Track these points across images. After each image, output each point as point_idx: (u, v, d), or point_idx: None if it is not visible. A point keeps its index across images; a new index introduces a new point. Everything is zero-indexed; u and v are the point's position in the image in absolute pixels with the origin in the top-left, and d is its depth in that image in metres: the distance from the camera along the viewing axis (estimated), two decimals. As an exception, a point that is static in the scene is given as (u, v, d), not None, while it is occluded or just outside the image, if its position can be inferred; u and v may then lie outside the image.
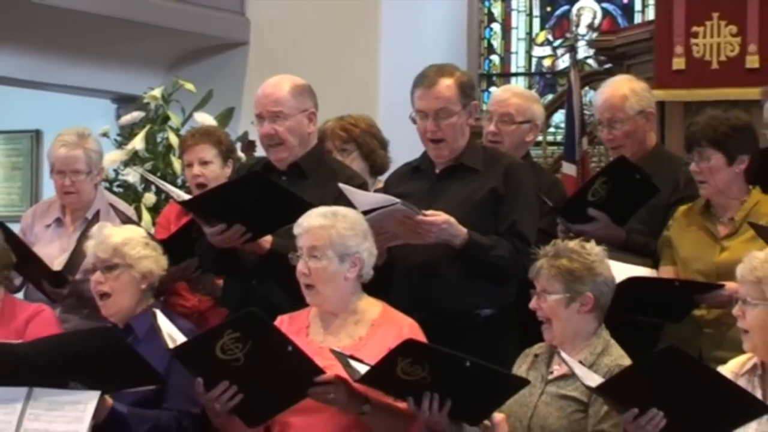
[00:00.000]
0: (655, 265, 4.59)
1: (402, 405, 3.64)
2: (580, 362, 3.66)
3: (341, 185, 4.23)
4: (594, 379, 3.51)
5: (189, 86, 7.11)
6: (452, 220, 4.21)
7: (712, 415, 3.41)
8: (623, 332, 3.91)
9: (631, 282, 4.22)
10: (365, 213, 4.03)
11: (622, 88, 5.02)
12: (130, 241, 4.20)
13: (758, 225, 4.23)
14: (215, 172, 5.16)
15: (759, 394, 3.53)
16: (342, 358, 3.62)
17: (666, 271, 4.54)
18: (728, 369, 3.65)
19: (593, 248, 3.85)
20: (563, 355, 3.62)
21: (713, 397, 3.39)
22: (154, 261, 4.22)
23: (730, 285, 4.17)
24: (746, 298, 3.57)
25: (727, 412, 3.41)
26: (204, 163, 5.17)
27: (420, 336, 3.83)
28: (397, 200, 4.14)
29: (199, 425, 3.99)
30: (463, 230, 4.23)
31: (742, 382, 3.56)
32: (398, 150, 5.18)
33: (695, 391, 3.38)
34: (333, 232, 3.82)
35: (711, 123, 4.41)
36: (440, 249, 4.25)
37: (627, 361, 3.72)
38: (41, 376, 3.77)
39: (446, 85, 4.40)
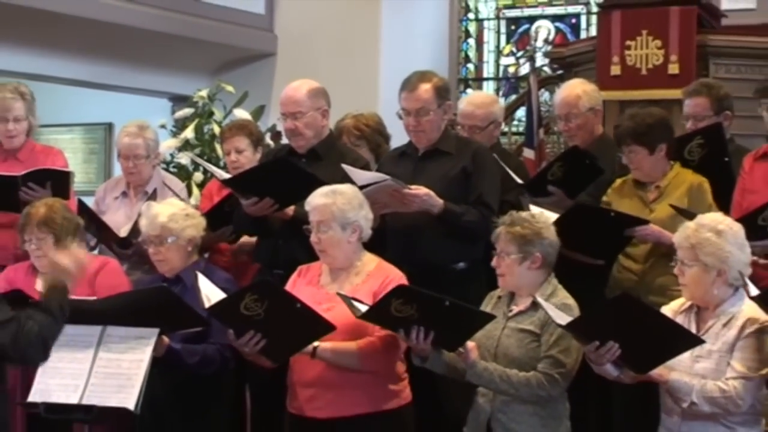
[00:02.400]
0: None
1: (383, 332, 3.69)
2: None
3: (343, 165, 4.23)
4: (564, 318, 3.51)
5: (229, 88, 7.11)
6: (431, 192, 4.24)
7: (657, 346, 3.42)
8: (574, 282, 3.89)
9: (577, 208, 4.21)
10: (362, 187, 4.03)
11: (577, 89, 5.03)
12: (174, 217, 4.14)
13: (678, 207, 4.24)
14: (248, 157, 5.15)
15: (693, 328, 3.53)
16: (347, 300, 3.64)
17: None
18: (669, 308, 3.66)
19: (540, 217, 3.85)
20: (539, 300, 3.61)
21: (657, 332, 3.39)
22: (194, 227, 4.20)
23: (653, 225, 4.25)
24: (683, 260, 3.55)
25: (668, 344, 3.42)
26: (239, 152, 5.16)
27: (403, 282, 3.82)
28: (387, 177, 4.15)
29: (236, 355, 4.01)
30: (440, 201, 4.25)
31: (680, 319, 3.57)
32: (395, 138, 5.19)
33: (643, 327, 3.38)
34: (334, 208, 3.81)
35: (631, 124, 4.42)
36: (422, 216, 4.27)
37: (571, 301, 3.73)
38: (112, 323, 3.80)
39: (425, 89, 4.40)
